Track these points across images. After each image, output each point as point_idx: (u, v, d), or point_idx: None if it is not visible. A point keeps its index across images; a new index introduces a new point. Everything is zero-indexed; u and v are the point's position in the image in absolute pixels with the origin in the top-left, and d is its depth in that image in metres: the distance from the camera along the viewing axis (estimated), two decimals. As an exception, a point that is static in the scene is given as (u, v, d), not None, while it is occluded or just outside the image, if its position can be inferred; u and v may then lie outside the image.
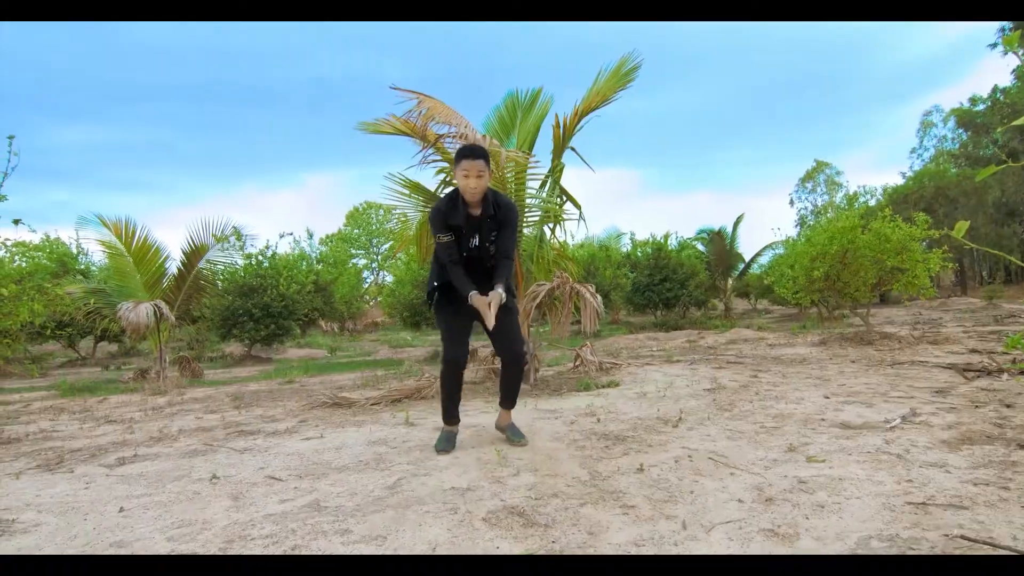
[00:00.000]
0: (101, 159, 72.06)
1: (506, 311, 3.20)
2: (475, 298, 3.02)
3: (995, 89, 28.09)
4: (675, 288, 17.05)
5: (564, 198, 6.00)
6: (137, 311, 7.44)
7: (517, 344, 3.32)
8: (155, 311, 7.67)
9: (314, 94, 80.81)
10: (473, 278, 3.14)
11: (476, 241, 3.18)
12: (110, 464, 3.44)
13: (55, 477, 3.21)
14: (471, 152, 3.04)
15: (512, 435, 3.38)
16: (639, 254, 20.06)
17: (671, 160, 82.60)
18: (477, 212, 3.15)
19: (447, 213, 3.12)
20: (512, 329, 3.29)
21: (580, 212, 5.99)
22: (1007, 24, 21.94)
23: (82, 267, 16.46)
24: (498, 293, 3.04)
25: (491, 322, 2.98)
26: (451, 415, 3.36)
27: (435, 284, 3.28)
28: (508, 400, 3.45)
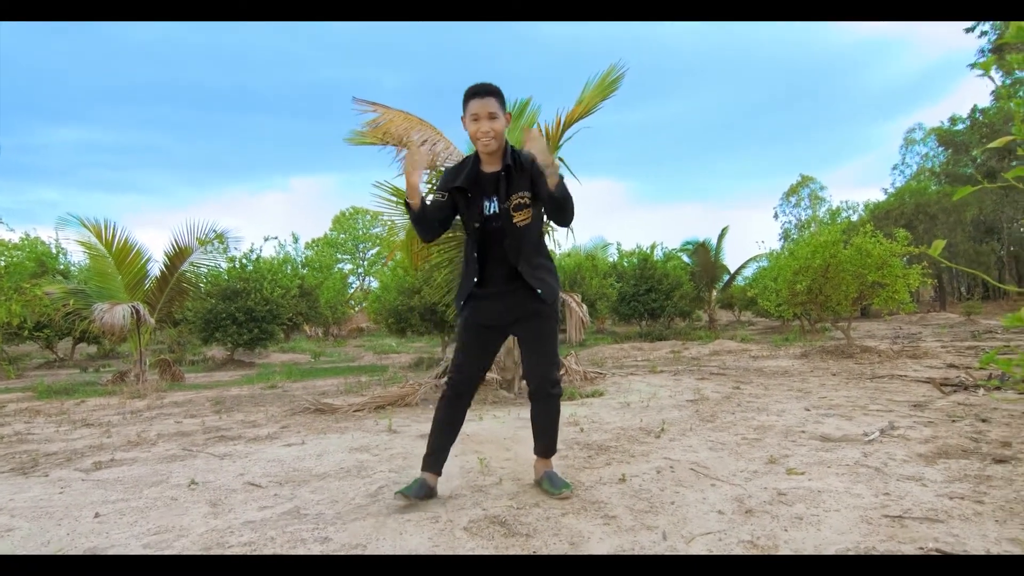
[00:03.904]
0: (91, 159, 71.28)
1: (537, 319, 2.50)
2: (406, 167, 2.38)
3: (974, 109, 28.71)
4: (660, 299, 17.16)
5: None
6: (112, 312, 7.35)
7: (546, 366, 2.53)
8: (132, 313, 7.57)
9: (302, 98, 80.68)
10: (493, 263, 2.48)
11: (495, 207, 2.44)
12: (86, 468, 3.39)
13: (29, 481, 3.15)
14: (479, 90, 2.40)
15: (549, 486, 2.53)
16: (625, 264, 20.17)
17: (658, 172, 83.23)
18: (494, 168, 2.48)
19: (453, 172, 2.53)
20: (540, 345, 2.52)
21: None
22: (986, 45, 22.46)
23: (62, 267, 16.23)
24: (554, 162, 2.29)
25: (411, 158, 2.37)
26: (434, 459, 2.53)
27: (469, 290, 2.52)
28: (542, 446, 2.64)
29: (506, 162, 2.44)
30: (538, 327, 2.51)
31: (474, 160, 2.50)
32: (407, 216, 2.49)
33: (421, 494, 2.44)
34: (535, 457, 2.69)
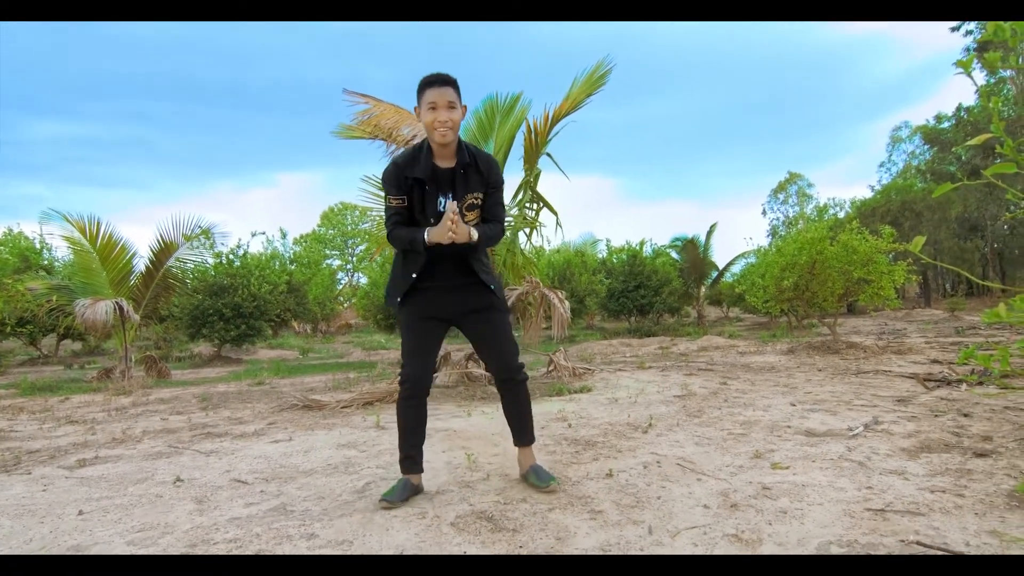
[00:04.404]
0: (76, 154, 70.39)
1: (493, 311, 2.55)
2: (432, 232, 2.31)
3: (959, 107, 29.00)
4: (649, 295, 17.23)
5: (540, 204, 6.03)
6: (95, 308, 7.26)
7: (509, 355, 2.55)
8: (115, 309, 7.49)
9: (290, 93, 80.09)
10: (442, 258, 2.44)
11: (447, 205, 2.38)
12: (70, 466, 3.35)
13: (11, 479, 3.12)
14: (436, 79, 2.33)
15: (537, 479, 2.54)
16: (614, 260, 20.22)
17: (648, 169, 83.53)
18: (448, 164, 2.43)
19: (404, 164, 2.40)
20: (500, 335, 2.55)
21: (557, 218, 6.04)
22: (971, 44, 22.70)
23: (46, 263, 16.04)
24: (466, 227, 2.34)
25: (444, 232, 2.27)
26: (411, 460, 2.51)
27: (409, 284, 2.49)
28: (520, 435, 2.64)
29: (462, 159, 2.43)
30: (496, 320, 2.56)
31: (427, 151, 2.43)
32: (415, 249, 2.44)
33: (404, 496, 2.43)
34: (518, 449, 2.70)
